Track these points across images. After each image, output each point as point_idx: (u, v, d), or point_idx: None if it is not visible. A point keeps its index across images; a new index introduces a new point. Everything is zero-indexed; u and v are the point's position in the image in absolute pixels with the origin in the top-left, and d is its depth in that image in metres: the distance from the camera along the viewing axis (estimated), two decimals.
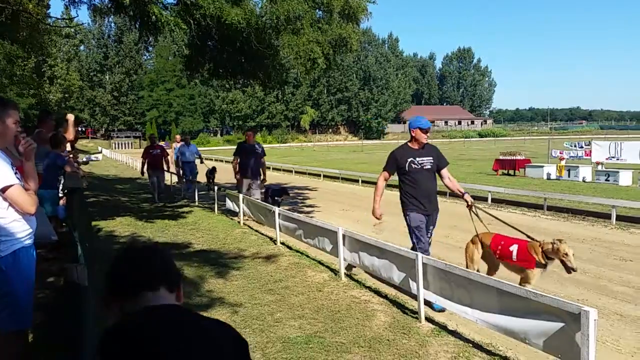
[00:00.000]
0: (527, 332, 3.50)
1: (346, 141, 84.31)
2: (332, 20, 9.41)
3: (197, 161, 14.29)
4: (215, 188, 11.89)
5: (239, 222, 9.92)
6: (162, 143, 20.45)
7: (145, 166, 12.98)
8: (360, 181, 19.10)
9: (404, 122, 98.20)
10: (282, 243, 7.91)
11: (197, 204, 12.87)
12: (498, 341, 4.08)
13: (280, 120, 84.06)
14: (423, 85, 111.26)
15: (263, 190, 10.45)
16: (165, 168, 13.22)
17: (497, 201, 12.87)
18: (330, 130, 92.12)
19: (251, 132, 10.37)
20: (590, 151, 23.23)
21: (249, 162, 10.01)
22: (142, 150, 13.72)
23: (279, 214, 7.94)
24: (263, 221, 8.98)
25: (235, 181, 10.63)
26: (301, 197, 15.07)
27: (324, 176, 21.74)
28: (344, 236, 6.04)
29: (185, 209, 11.80)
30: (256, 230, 9.14)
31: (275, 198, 10.42)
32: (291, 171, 25.53)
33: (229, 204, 10.98)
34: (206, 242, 8.21)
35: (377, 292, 5.45)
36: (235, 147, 10.67)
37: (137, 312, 1.39)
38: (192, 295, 5.31)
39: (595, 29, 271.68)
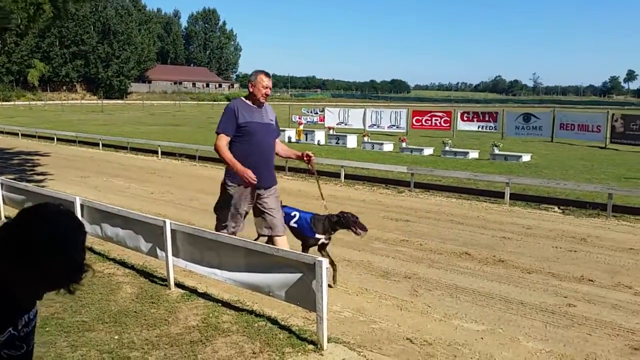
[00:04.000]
0: (271, 286, 3.76)
1: (84, 100, 76.72)
2: None
3: None
4: None
5: None
6: None
7: None
8: (100, 145, 17.69)
9: (149, 82, 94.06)
10: (8, 218, 6.87)
11: None
12: (246, 297, 4.30)
13: (1, 75, 71.70)
14: (168, 44, 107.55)
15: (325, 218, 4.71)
16: None
17: None
18: (64, 87, 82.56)
19: (266, 77, 4.48)
20: (324, 117, 25.83)
21: (262, 148, 4.50)
22: None
23: (2, 183, 6.84)
24: None
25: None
26: (30, 164, 13.26)
27: (58, 139, 19.49)
28: (82, 206, 5.52)
29: None
30: None
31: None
32: (17, 134, 22.20)
33: None
34: None
35: (123, 264, 5.18)
36: None
37: None
38: None
39: (328, 8, 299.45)
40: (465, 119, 23.70)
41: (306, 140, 19.84)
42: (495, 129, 22.79)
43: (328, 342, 3.44)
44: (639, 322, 3.94)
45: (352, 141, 19.03)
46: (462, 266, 5.34)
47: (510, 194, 8.71)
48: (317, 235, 4.63)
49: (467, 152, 15.37)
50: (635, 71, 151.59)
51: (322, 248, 4.71)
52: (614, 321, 3.96)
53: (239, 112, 4.42)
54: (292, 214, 4.82)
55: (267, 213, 4.48)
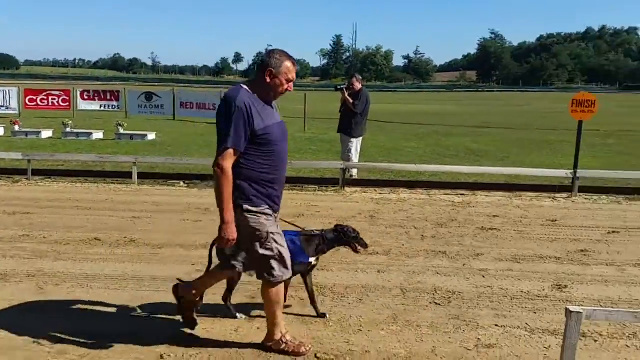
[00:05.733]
0: None
1: None
2: None
3: None
4: None
5: None
6: None
7: None
8: None
9: None
10: None
11: None
12: None
13: None
14: None
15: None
16: None
17: None
18: None
19: (294, 65, 3.11)
20: None
21: (284, 161, 3.24)
22: None
23: None
24: None
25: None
26: None
27: None
28: None
29: None
30: None
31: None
32: None
33: None
34: None
35: None
36: None
37: None
38: None
39: None
40: (86, 97, 22.61)
41: None
42: (118, 108, 22.51)
43: None
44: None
45: None
46: (92, 253, 5.17)
47: (138, 173, 8.80)
48: (310, 259, 3.66)
49: (91, 133, 14.78)
50: (241, 54, 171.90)
51: (307, 273, 3.75)
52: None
53: (252, 112, 2.98)
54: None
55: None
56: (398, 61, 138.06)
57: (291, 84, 3.12)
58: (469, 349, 3.39)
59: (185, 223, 6.35)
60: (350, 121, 8.83)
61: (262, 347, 3.29)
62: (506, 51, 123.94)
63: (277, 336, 3.25)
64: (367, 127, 9.40)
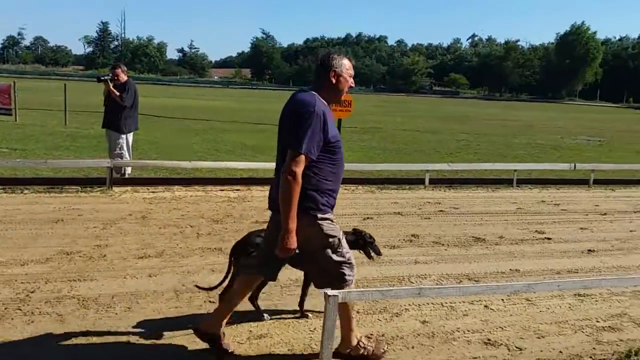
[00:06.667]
0: None
1: None
2: None
3: None
4: None
5: None
6: None
7: None
8: None
9: None
10: None
11: None
12: None
13: None
14: None
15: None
16: None
17: None
18: None
19: (350, 62, 3.22)
20: None
21: (343, 170, 3.29)
22: None
23: None
24: None
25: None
26: None
27: None
28: None
29: None
30: None
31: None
32: None
33: None
34: None
35: None
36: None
37: None
38: None
39: None
40: None
41: None
42: None
43: None
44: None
45: None
46: None
47: None
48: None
49: None
50: None
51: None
52: None
53: (327, 120, 2.97)
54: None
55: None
56: (172, 54, 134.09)
57: (352, 79, 3.20)
58: (241, 343, 3.45)
59: None
60: (118, 115, 8.23)
61: (339, 355, 3.21)
62: (277, 51, 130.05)
63: (354, 342, 3.28)
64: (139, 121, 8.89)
